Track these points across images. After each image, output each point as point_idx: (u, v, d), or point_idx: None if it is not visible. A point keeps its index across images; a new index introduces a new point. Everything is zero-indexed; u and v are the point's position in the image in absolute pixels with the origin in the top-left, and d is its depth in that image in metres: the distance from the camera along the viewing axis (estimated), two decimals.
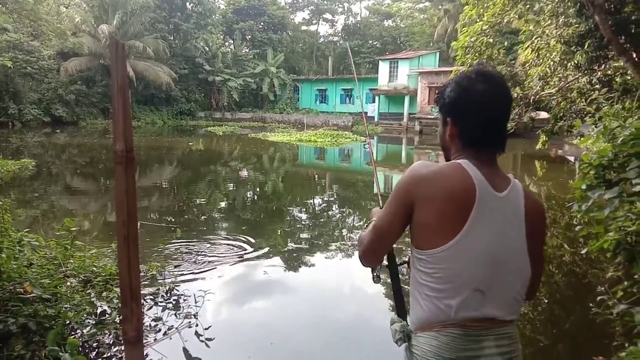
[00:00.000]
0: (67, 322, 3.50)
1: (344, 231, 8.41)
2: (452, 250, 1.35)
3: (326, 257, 6.56)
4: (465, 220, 1.34)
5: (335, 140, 27.09)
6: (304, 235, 7.67)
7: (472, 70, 1.50)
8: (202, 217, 9.28)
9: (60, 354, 3.02)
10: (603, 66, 10.09)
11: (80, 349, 3.37)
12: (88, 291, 4.10)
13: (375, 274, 1.81)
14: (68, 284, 4.04)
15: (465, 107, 1.45)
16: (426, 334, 1.41)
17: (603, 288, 4.12)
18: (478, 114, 1.44)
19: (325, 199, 12.08)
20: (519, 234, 1.41)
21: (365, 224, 1.82)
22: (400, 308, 1.69)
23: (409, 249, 1.50)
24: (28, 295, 3.30)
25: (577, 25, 9.38)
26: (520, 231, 1.41)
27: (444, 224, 1.36)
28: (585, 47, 9.27)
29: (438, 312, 1.38)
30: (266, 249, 6.64)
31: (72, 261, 4.38)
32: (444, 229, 1.36)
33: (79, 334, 3.63)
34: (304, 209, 10.42)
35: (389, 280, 1.80)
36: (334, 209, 10.75)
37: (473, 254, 1.35)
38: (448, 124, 1.51)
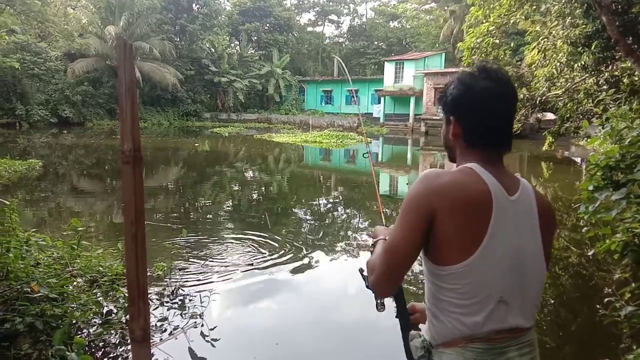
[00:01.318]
0: (74, 321, 3.51)
1: (350, 233, 8.40)
2: (475, 264, 1.28)
3: (332, 259, 6.56)
4: (485, 231, 1.29)
5: (341, 141, 27.09)
6: (310, 237, 7.67)
7: (475, 67, 1.44)
8: (208, 217, 9.30)
9: (67, 353, 3.03)
10: (610, 67, 10.03)
11: (86, 348, 3.39)
12: (94, 291, 4.12)
13: (379, 301, 1.68)
14: (75, 283, 4.06)
15: (469, 105, 1.39)
16: (450, 350, 1.35)
17: (610, 290, 4.09)
18: (482, 112, 1.38)
19: (331, 200, 12.08)
20: (534, 237, 1.37)
21: (372, 246, 1.71)
22: (406, 324, 1.60)
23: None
24: (35, 295, 3.32)
25: (584, 26, 9.33)
26: (536, 233, 1.38)
27: (466, 236, 1.29)
28: (592, 48, 9.22)
29: (463, 328, 1.32)
30: (272, 250, 6.64)
31: (78, 261, 4.40)
32: (466, 242, 1.29)
33: (86, 334, 3.65)
34: (309, 211, 10.42)
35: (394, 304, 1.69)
36: (339, 210, 10.75)
37: (496, 264, 1.30)
38: (451, 123, 1.44)
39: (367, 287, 1.59)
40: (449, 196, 1.29)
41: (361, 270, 1.61)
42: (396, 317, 1.66)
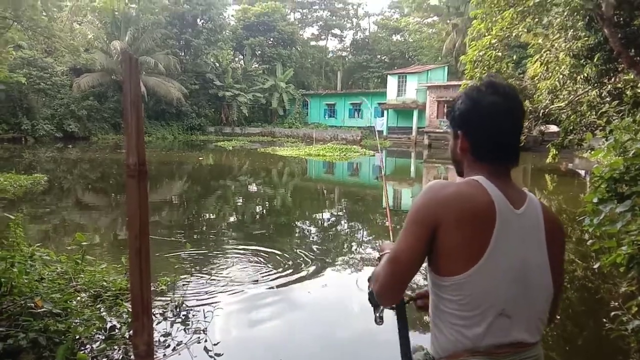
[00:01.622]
0: (77, 337, 3.50)
1: (354, 246, 8.38)
2: (477, 275, 1.29)
3: (336, 273, 6.53)
4: (487, 242, 1.29)
5: (344, 155, 27.13)
6: (314, 251, 7.64)
7: (482, 82, 1.45)
8: (212, 231, 9.30)
9: None
10: (613, 79, 10.06)
11: None
12: (98, 306, 4.11)
13: (378, 314, 1.69)
14: (78, 298, 4.06)
15: (476, 119, 1.41)
16: None
17: (617, 303, 4.06)
18: (489, 126, 1.39)
19: (335, 213, 12.07)
20: (540, 251, 1.37)
21: (377, 258, 1.73)
22: (405, 336, 1.59)
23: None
24: (39, 310, 3.32)
25: (586, 38, 9.38)
26: (542, 247, 1.37)
27: (469, 247, 1.30)
28: (595, 60, 9.26)
29: (465, 340, 1.32)
30: (276, 264, 6.63)
31: (82, 276, 4.40)
32: (469, 253, 1.30)
33: (89, 349, 3.63)
34: (313, 224, 10.41)
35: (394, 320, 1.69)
36: (343, 224, 10.73)
37: (498, 276, 1.30)
38: (459, 138, 1.46)
39: (369, 299, 1.60)
40: (453, 207, 1.31)
41: (369, 279, 1.61)
42: (377, 323, 1.70)
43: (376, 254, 1.84)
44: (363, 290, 1.72)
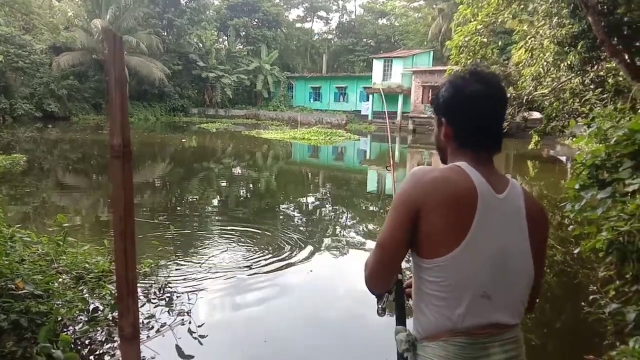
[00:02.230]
0: (60, 318, 3.47)
1: (339, 230, 8.40)
2: (458, 257, 1.32)
3: (321, 255, 6.53)
4: (469, 225, 1.32)
5: (329, 139, 27.09)
6: (299, 234, 7.65)
7: (466, 70, 1.48)
8: (196, 213, 9.25)
9: (52, 350, 2.99)
10: (596, 67, 10.15)
11: (72, 345, 3.35)
12: (80, 288, 4.07)
13: (380, 305, 1.69)
14: (60, 280, 4.01)
15: (460, 107, 1.43)
16: (433, 344, 1.38)
17: (595, 287, 4.15)
18: (472, 114, 1.42)
19: (319, 197, 12.08)
20: (521, 235, 1.39)
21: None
22: (401, 321, 1.59)
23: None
24: (20, 292, 3.27)
25: (570, 26, 9.42)
26: (523, 232, 1.40)
27: (450, 230, 1.33)
28: (579, 47, 9.32)
29: (446, 321, 1.35)
30: (259, 246, 6.63)
31: (64, 257, 4.35)
32: (450, 236, 1.32)
33: (71, 331, 3.61)
34: (298, 208, 10.41)
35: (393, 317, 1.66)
36: (329, 207, 10.75)
37: (479, 259, 1.33)
38: (443, 125, 1.48)
39: (372, 292, 1.60)
40: (435, 192, 1.34)
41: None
42: (379, 314, 1.68)
43: (361, 239, 1.85)
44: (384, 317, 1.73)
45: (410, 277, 1.68)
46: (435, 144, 1.57)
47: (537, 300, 1.60)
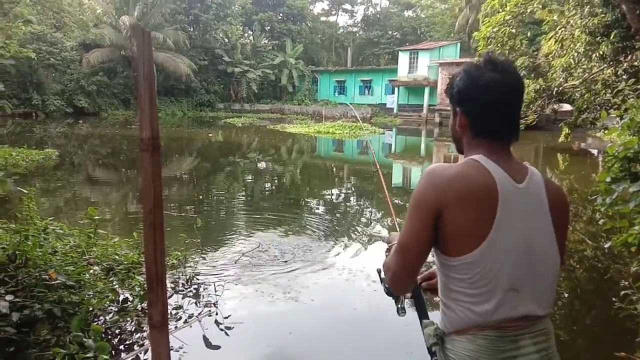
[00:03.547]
0: (91, 308, 3.57)
1: (371, 226, 8.34)
2: (484, 253, 1.30)
3: (350, 252, 6.49)
4: (492, 220, 1.30)
5: (354, 132, 27.00)
6: (325, 229, 7.67)
7: (482, 59, 1.45)
8: (222, 207, 9.36)
9: (84, 339, 3.08)
10: (629, 57, 9.85)
11: (103, 335, 3.44)
12: (111, 279, 4.17)
13: (400, 305, 1.67)
14: (91, 271, 4.11)
15: (474, 96, 1.41)
16: (461, 338, 1.36)
17: (627, 283, 4.05)
18: (487, 102, 1.39)
19: (347, 191, 12.08)
20: (545, 224, 1.37)
21: (387, 250, 1.75)
22: (425, 315, 1.58)
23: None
24: (53, 282, 3.37)
25: (602, 15, 9.17)
26: (547, 221, 1.37)
27: (473, 227, 1.31)
28: (611, 37, 9.07)
29: (474, 317, 1.34)
30: (286, 241, 6.67)
31: (95, 249, 4.46)
32: (474, 233, 1.30)
33: (102, 321, 3.71)
34: (325, 202, 10.42)
35: (414, 312, 1.67)
36: (356, 203, 10.74)
37: (505, 253, 1.31)
38: (458, 115, 1.47)
39: (386, 292, 1.61)
40: (454, 189, 1.32)
41: (379, 271, 1.62)
42: (399, 314, 1.67)
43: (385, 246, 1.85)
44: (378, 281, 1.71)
45: (424, 270, 1.67)
46: (452, 134, 1.55)
47: (566, 295, 1.57)
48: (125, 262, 4.49)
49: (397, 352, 3.84)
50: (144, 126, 1.29)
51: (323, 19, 62.53)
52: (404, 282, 1.46)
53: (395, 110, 41.35)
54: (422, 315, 1.56)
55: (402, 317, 1.74)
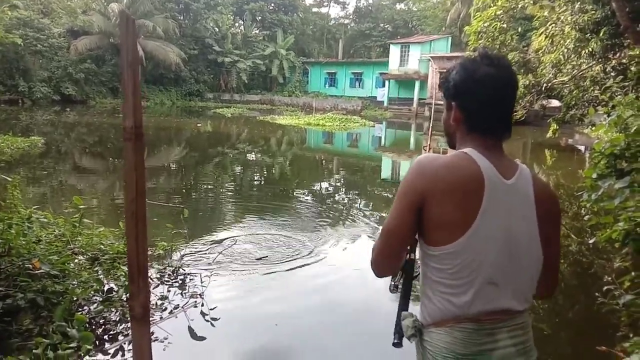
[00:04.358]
0: (75, 298, 3.54)
1: (357, 217, 8.34)
2: (465, 244, 1.31)
3: (338, 243, 6.52)
4: (476, 212, 1.31)
5: (344, 125, 26.99)
6: (311, 221, 7.67)
7: (477, 53, 1.46)
8: (210, 197, 9.32)
9: (68, 329, 3.06)
10: (618, 54, 9.92)
11: (87, 325, 3.41)
12: (95, 268, 4.14)
13: (393, 282, 1.67)
14: (76, 261, 4.08)
15: (470, 90, 1.41)
16: (439, 330, 1.38)
17: (610, 278, 4.10)
18: (483, 97, 1.39)
19: (336, 183, 12.08)
20: (529, 221, 1.38)
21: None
22: (406, 307, 1.56)
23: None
24: (36, 271, 3.34)
25: (593, 12, 9.21)
26: (531, 217, 1.38)
27: (456, 218, 1.32)
28: (601, 34, 9.12)
29: (453, 308, 1.35)
30: (272, 232, 6.66)
31: (80, 239, 4.42)
32: (456, 223, 1.32)
33: (86, 311, 3.68)
34: (311, 194, 10.41)
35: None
36: (344, 195, 10.75)
37: (486, 246, 1.32)
38: (453, 109, 1.47)
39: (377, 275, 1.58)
40: (441, 179, 1.33)
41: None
42: (391, 290, 1.64)
43: (378, 226, 1.84)
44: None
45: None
46: (444, 128, 1.56)
47: (556, 286, 1.58)
48: (111, 252, 4.46)
49: (383, 343, 3.85)
50: (127, 115, 1.27)
51: (315, 10, 62.18)
52: (383, 264, 1.48)
53: (385, 104, 41.32)
54: (402, 307, 1.56)
55: (390, 307, 1.73)
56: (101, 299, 3.83)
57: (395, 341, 1.51)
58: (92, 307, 3.74)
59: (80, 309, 3.63)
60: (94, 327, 3.57)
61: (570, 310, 4.80)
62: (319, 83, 49.42)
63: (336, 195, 10.51)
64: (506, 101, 1.43)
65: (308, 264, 5.58)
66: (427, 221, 1.35)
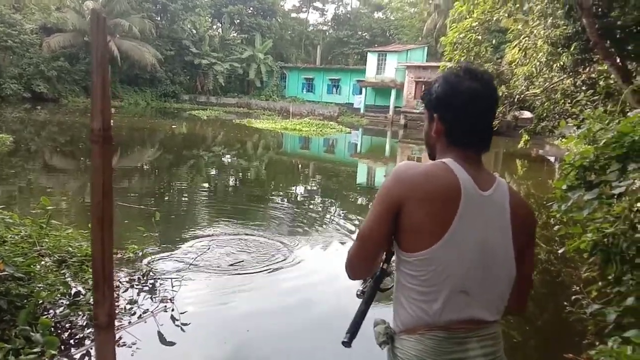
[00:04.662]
0: (40, 301, 3.43)
1: (328, 223, 8.37)
2: (439, 251, 1.32)
3: (310, 247, 6.50)
4: (451, 221, 1.32)
5: (321, 130, 27.04)
6: (285, 225, 7.63)
7: (460, 67, 1.48)
8: (183, 200, 9.20)
9: (32, 333, 2.96)
10: (588, 69, 10.18)
11: (52, 329, 3.31)
12: (63, 271, 4.03)
13: (361, 288, 1.66)
14: (42, 263, 3.96)
15: (453, 103, 1.43)
16: (410, 337, 1.38)
17: (578, 287, 4.18)
18: (465, 111, 1.42)
19: (310, 188, 12.06)
20: (504, 233, 1.39)
21: None
22: (364, 311, 1.54)
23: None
24: (0, 274, 3.22)
25: (564, 27, 9.42)
26: (506, 230, 1.39)
27: (431, 225, 1.33)
28: (572, 49, 9.33)
29: (424, 315, 1.36)
30: (245, 237, 6.60)
31: (47, 240, 4.29)
32: (431, 231, 1.33)
33: (52, 314, 3.57)
34: (286, 198, 10.38)
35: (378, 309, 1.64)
36: (320, 199, 10.74)
37: (459, 255, 1.33)
38: (434, 121, 1.48)
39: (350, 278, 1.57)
40: (418, 187, 1.35)
41: None
42: (358, 296, 1.63)
43: (352, 230, 1.84)
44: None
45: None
46: (425, 140, 1.57)
47: (526, 301, 1.61)
48: (79, 255, 4.34)
49: (353, 346, 3.84)
50: (95, 116, 1.23)
51: (294, 15, 62.24)
52: (359, 266, 1.50)
53: (362, 111, 41.56)
54: (362, 310, 1.52)
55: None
56: (68, 303, 3.72)
57: (345, 340, 1.53)
58: (58, 311, 3.63)
59: (45, 313, 3.52)
60: (59, 331, 3.47)
61: (539, 318, 4.87)
62: (297, 88, 49.42)
63: (311, 199, 10.49)
64: (487, 116, 1.46)
65: (282, 268, 5.55)
66: (403, 227, 1.37)
